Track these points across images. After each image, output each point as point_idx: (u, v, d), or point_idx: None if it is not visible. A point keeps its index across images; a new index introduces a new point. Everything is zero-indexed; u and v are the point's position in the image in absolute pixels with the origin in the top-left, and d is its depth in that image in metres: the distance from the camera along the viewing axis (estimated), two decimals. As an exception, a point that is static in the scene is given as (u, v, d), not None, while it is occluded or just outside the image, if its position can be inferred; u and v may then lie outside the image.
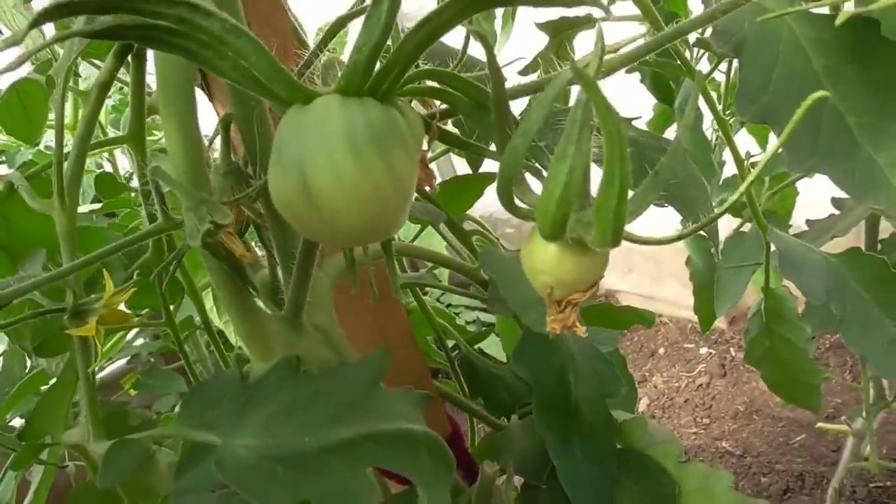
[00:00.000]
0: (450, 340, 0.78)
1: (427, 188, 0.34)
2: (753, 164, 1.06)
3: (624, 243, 0.33)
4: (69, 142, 0.48)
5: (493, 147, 0.34)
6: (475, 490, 0.53)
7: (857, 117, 0.41)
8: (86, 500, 0.52)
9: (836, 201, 0.93)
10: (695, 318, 1.66)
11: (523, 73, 0.70)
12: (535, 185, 0.31)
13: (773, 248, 0.85)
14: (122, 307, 0.46)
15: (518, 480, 0.58)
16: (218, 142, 0.45)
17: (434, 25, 0.28)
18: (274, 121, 0.41)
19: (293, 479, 0.36)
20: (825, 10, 0.43)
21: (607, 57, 0.40)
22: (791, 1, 0.44)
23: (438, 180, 0.68)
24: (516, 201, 0.28)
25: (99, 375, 1.26)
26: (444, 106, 0.35)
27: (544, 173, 0.31)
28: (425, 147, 0.33)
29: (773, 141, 1.20)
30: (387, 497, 0.47)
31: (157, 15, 0.27)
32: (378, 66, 0.29)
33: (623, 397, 0.70)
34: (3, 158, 1.27)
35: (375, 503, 0.35)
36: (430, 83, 0.32)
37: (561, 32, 0.62)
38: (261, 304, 0.43)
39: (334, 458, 0.36)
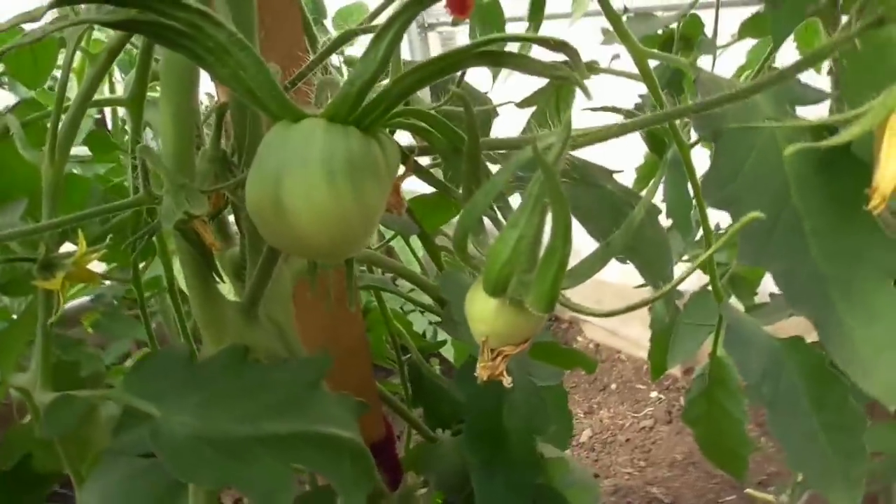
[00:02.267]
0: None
1: (395, 212, 0.36)
2: (720, 235, 1.08)
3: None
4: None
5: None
6: (396, 498, 0.55)
7: (813, 222, 0.42)
8: (21, 440, 0.53)
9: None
10: (652, 360, 1.68)
11: (521, 105, 0.73)
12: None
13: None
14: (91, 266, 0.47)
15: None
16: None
17: (426, 73, 0.30)
18: (266, 118, 0.43)
19: (221, 462, 0.38)
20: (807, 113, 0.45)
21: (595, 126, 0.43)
22: (778, 102, 0.46)
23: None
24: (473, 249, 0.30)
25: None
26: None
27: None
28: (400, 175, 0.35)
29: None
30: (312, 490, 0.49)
31: (170, 16, 0.29)
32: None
33: (558, 433, 0.73)
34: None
35: (291, 499, 0.37)
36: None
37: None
38: (223, 288, 0.45)
39: (263, 449, 0.38)
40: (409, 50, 2.68)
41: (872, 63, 0.44)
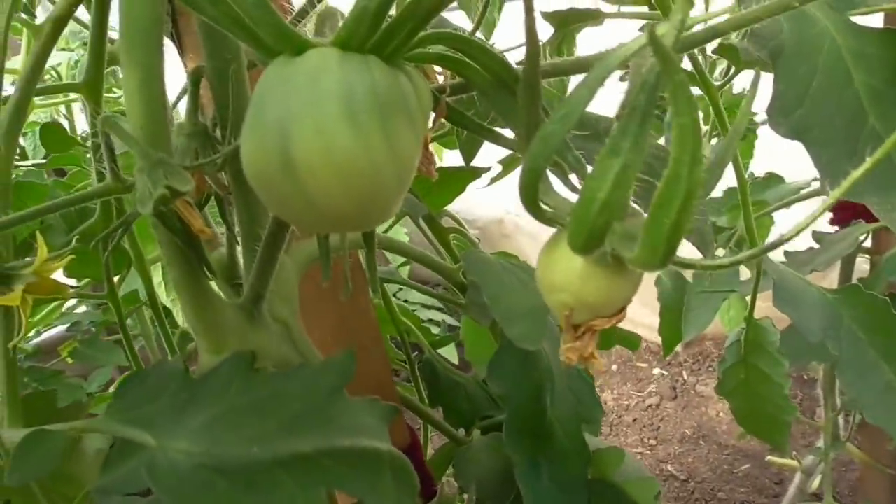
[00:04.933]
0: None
1: (426, 172, 0.29)
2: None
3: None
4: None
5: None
6: (433, 507, 0.49)
7: (899, 143, 0.37)
8: (-4, 487, 0.46)
9: (816, 235, 0.91)
10: (651, 337, 1.62)
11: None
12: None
13: (745, 277, 0.82)
14: (57, 276, 0.40)
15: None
16: (185, 102, 0.39)
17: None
18: (252, 79, 0.36)
19: (235, 493, 0.31)
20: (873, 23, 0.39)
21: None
22: (837, 13, 0.40)
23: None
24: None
25: (36, 341, 1.19)
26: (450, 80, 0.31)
27: (570, 173, 0.26)
28: (430, 125, 0.28)
29: (759, 162, 1.18)
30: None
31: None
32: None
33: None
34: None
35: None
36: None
37: (567, 25, 0.58)
38: (216, 287, 0.38)
39: (285, 473, 0.31)
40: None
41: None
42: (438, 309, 2.41)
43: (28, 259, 0.36)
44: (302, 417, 0.33)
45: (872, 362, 0.53)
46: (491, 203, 2.45)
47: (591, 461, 0.50)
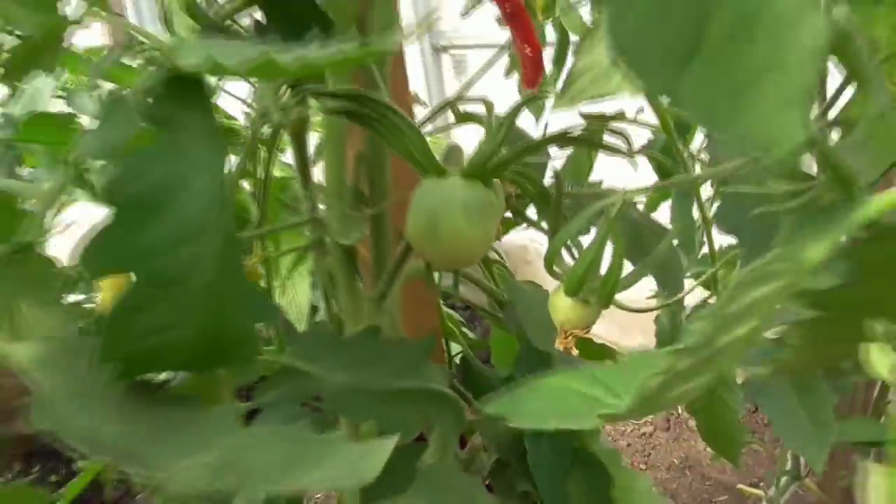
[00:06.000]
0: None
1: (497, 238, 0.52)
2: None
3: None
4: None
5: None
6: (464, 454, 0.71)
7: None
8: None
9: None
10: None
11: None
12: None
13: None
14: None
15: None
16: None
17: (532, 147, 0.46)
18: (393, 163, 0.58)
19: (369, 405, 0.53)
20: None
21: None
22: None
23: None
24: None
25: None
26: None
27: (574, 251, 0.49)
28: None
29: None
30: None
31: (365, 107, 0.45)
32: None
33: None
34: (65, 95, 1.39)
35: (416, 433, 0.53)
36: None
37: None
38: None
39: (395, 400, 0.54)
40: (423, 70, 2.79)
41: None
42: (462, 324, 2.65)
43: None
44: (402, 369, 0.56)
45: (787, 392, 0.75)
46: (517, 232, 2.67)
47: (577, 436, 0.72)
